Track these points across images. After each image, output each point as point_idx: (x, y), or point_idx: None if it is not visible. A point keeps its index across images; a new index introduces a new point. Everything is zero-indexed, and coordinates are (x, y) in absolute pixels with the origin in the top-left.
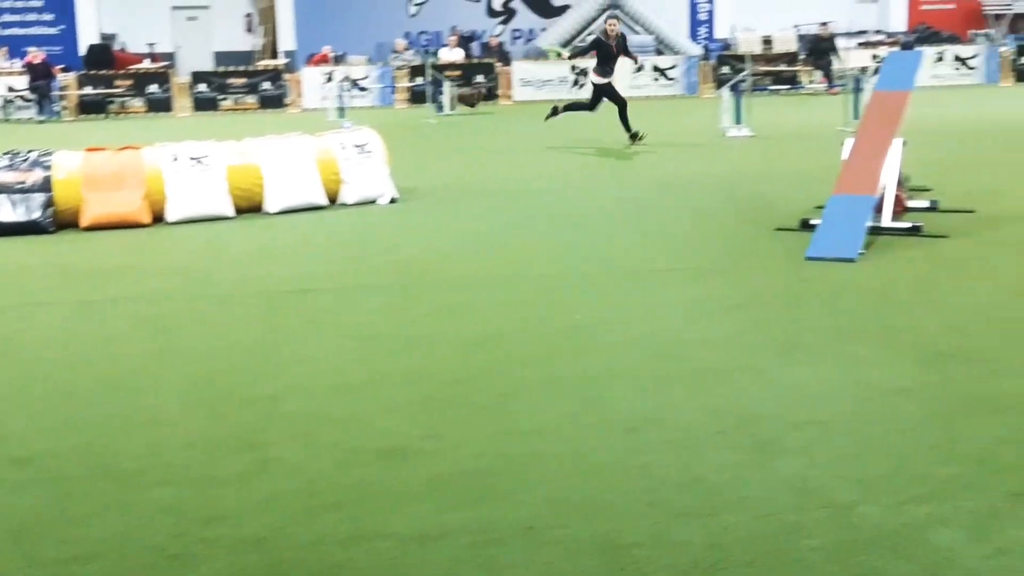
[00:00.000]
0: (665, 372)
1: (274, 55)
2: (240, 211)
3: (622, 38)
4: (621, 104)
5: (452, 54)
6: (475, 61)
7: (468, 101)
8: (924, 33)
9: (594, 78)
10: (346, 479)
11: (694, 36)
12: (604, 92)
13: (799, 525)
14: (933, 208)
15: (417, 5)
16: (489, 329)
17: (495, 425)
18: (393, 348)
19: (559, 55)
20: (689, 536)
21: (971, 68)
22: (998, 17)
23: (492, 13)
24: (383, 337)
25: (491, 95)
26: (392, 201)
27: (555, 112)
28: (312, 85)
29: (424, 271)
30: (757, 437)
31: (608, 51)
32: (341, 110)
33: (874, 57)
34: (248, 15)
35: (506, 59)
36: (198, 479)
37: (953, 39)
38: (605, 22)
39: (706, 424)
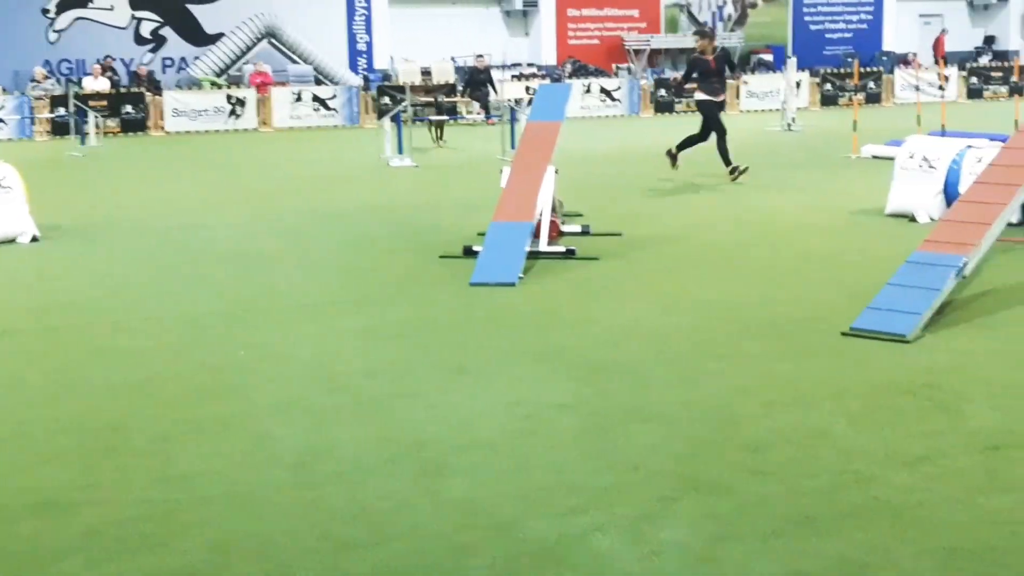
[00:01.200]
0: (332, 404)
1: None
2: None
3: (722, 52)
4: (720, 131)
5: (97, 83)
6: (123, 91)
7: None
8: (573, 66)
9: (697, 95)
10: None
11: (353, 66)
12: (705, 108)
13: (466, 546)
14: (586, 232)
15: (57, 32)
16: (143, 372)
17: (153, 471)
18: (38, 397)
19: (215, 84)
20: (358, 567)
21: (616, 100)
22: (638, 52)
23: (141, 40)
24: (26, 386)
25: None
26: (33, 240)
27: (673, 158)
28: None
29: (69, 314)
30: (423, 462)
31: (706, 67)
32: None
33: (527, 89)
34: None
35: (157, 88)
36: None
37: (599, 72)
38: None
39: (373, 453)
